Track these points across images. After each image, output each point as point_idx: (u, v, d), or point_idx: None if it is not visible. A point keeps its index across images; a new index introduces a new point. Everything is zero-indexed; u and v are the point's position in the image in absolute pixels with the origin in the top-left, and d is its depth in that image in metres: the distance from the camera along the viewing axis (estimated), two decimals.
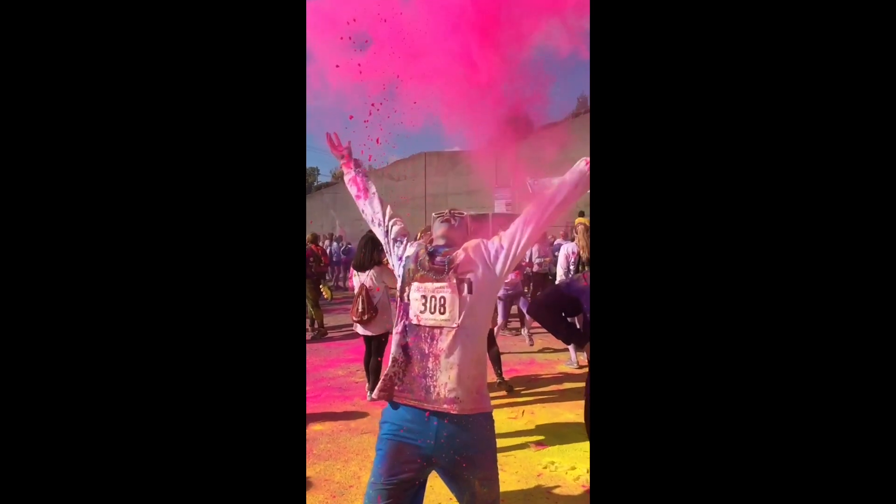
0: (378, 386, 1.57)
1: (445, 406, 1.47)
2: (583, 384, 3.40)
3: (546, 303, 1.97)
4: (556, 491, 2.73)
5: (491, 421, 1.58)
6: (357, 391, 4.48)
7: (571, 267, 4.93)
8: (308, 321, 6.89)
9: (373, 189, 1.82)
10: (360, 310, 4.06)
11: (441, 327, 1.52)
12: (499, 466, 1.62)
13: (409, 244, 1.71)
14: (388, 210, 1.79)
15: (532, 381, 4.77)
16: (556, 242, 6.71)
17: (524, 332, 6.14)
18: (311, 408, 4.02)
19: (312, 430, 3.60)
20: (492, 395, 4.18)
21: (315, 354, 5.80)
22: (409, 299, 1.58)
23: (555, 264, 5.68)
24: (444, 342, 1.50)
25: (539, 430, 3.57)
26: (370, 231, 3.00)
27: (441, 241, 1.67)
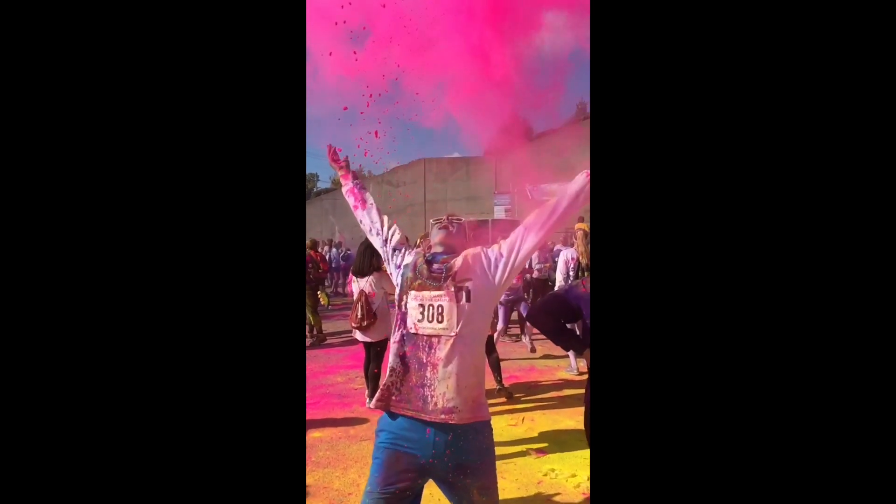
0: (376, 396, 1.56)
1: (443, 416, 1.46)
2: (583, 391, 3.41)
3: (545, 309, 1.96)
4: (557, 498, 2.71)
5: (489, 429, 1.57)
6: (356, 398, 4.46)
7: (571, 273, 4.93)
8: (307, 327, 6.87)
9: (370, 200, 1.86)
10: (359, 316, 4.05)
11: (439, 336, 1.51)
12: (499, 474, 1.61)
13: (407, 252, 1.71)
14: (387, 219, 1.82)
15: (532, 388, 4.75)
16: (555, 248, 6.71)
17: (525, 339, 6.13)
18: (310, 414, 4.00)
19: (311, 436, 3.58)
20: (491, 401, 4.20)
21: (314, 361, 5.79)
22: (406, 308, 1.57)
23: (554, 270, 5.68)
24: (441, 351, 1.49)
25: (539, 436, 3.56)
26: None
27: (439, 249, 1.66)
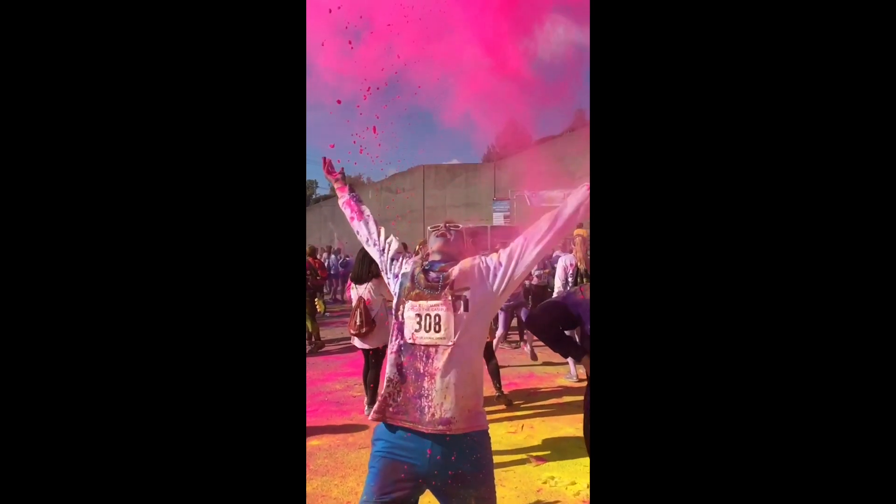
0: (374, 408, 1.56)
1: (440, 427, 1.45)
2: (582, 398, 3.40)
3: (543, 316, 1.96)
4: None
5: (487, 439, 1.55)
6: (355, 405, 4.44)
7: (570, 279, 4.92)
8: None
9: (367, 212, 1.88)
10: (357, 323, 4.04)
11: (436, 346, 1.49)
12: (498, 482, 1.60)
13: (405, 261, 1.70)
14: (383, 230, 1.83)
15: (531, 395, 4.74)
16: (554, 255, 6.71)
17: (526, 347, 6.12)
18: (308, 422, 3.98)
19: (310, 444, 3.56)
20: (491, 408, 4.18)
21: (312, 368, 5.76)
22: (403, 318, 1.56)
23: (553, 276, 5.67)
24: (439, 361, 1.48)
25: (538, 444, 3.54)
26: None
27: (437, 257, 1.65)
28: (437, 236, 1.68)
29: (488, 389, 4.35)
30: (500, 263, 1.57)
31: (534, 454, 3.34)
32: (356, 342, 4.22)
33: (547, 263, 6.50)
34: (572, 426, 3.76)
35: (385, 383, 1.55)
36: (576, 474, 3.02)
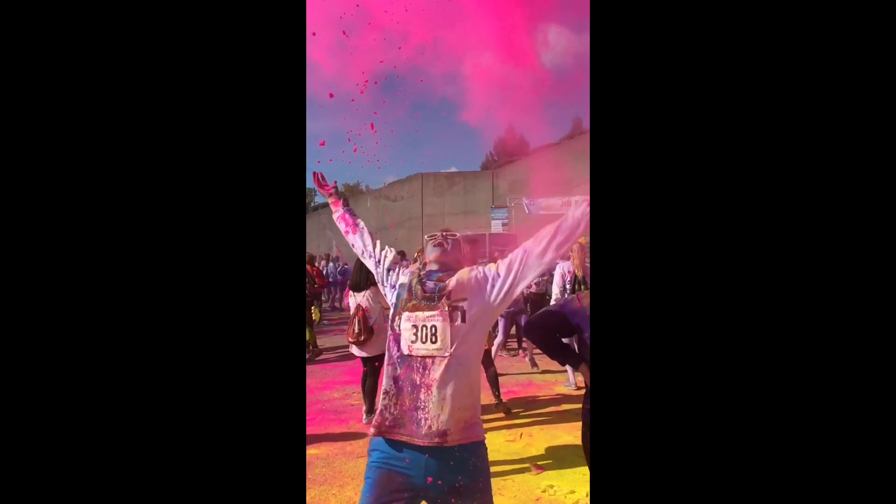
0: (372, 423, 1.55)
1: (437, 440, 1.44)
2: (580, 406, 3.40)
3: (540, 324, 1.97)
4: None
5: (483, 449, 1.54)
6: (353, 414, 4.42)
7: (568, 286, 4.93)
8: None
9: (361, 224, 1.89)
10: (356, 331, 4.03)
11: (433, 357, 1.48)
12: (497, 490, 1.59)
13: (402, 272, 1.70)
14: (378, 242, 1.84)
15: (530, 403, 4.72)
16: None
17: (527, 356, 6.10)
18: (306, 431, 3.96)
19: (308, 453, 3.54)
20: (489, 416, 4.16)
21: (310, 376, 5.74)
22: (400, 329, 1.55)
23: (551, 283, 5.67)
24: (436, 372, 1.47)
25: (537, 452, 3.53)
26: None
27: (434, 266, 1.64)
28: (434, 246, 1.68)
29: (487, 397, 4.34)
30: (499, 275, 1.56)
31: (534, 462, 3.33)
32: (354, 350, 4.20)
33: (545, 271, 6.49)
34: (571, 434, 3.75)
35: (381, 396, 1.55)
36: (575, 483, 3.01)
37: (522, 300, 5.70)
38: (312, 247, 16.57)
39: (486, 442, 1.57)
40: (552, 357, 1.98)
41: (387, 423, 1.51)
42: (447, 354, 1.47)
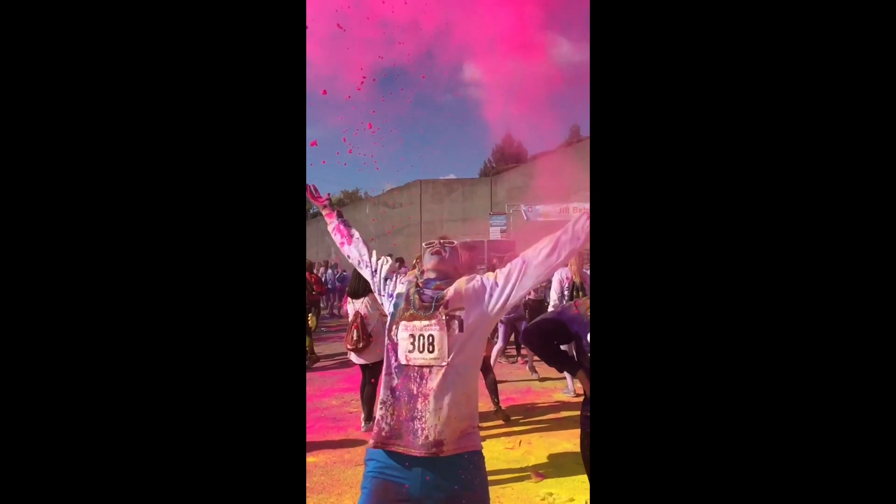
0: (371, 436, 1.55)
1: (433, 450, 1.44)
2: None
3: (538, 331, 1.97)
4: None
5: (480, 458, 1.54)
6: (351, 421, 4.40)
7: (566, 292, 4.93)
8: None
9: (356, 234, 1.89)
10: (354, 338, 4.03)
11: (430, 366, 1.48)
12: (496, 498, 1.59)
13: (399, 281, 1.70)
14: (374, 252, 1.85)
15: (529, 410, 4.71)
16: None
17: (527, 365, 6.09)
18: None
19: (307, 461, 3.53)
20: (489, 424, 4.15)
21: (309, 383, 5.71)
22: (397, 339, 1.55)
23: (549, 289, 5.67)
24: (433, 381, 1.46)
25: (536, 459, 3.51)
26: None
27: (432, 275, 1.64)
28: (431, 254, 1.68)
29: (486, 404, 4.33)
30: (497, 284, 1.57)
31: (534, 470, 3.31)
32: (353, 357, 4.19)
33: (543, 280, 6.48)
34: (570, 442, 3.73)
35: (378, 406, 1.54)
36: (574, 490, 3.00)
37: (522, 306, 5.70)
38: (311, 253, 16.57)
39: (483, 451, 1.57)
40: (550, 364, 1.99)
41: (383, 433, 1.50)
42: (444, 364, 1.47)
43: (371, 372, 4.10)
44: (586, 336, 1.83)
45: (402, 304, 1.59)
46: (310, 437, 3.99)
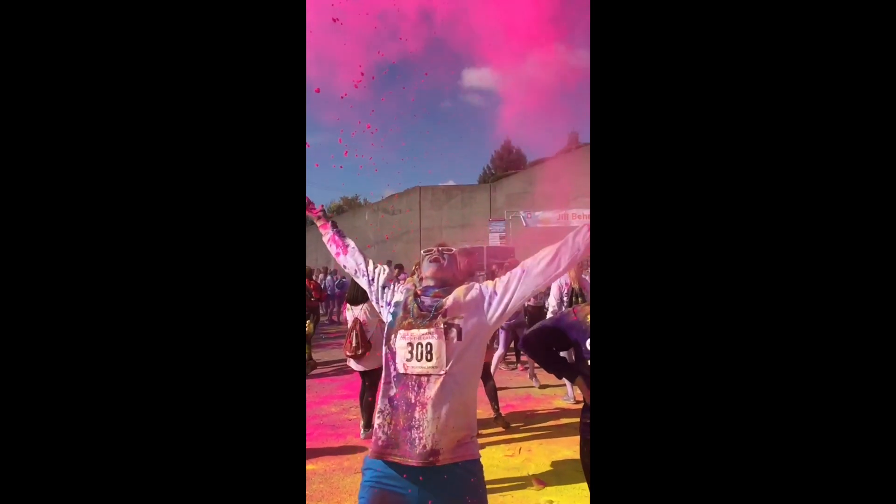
0: (370, 446, 1.54)
1: (430, 459, 1.43)
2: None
3: (536, 337, 1.97)
4: None
5: (478, 467, 1.53)
6: (350, 429, 4.38)
7: (565, 298, 4.92)
8: None
9: (351, 244, 1.89)
10: (353, 345, 4.02)
11: (428, 375, 1.47)
12: None
13: (397, 289, 1.70)
14: (371, 261, 1.85)
15: (529, 417, 4.69)
16: None
17: (528, 374, 6.07)
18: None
19: (306, 469, 3.51)
20: (488, 431, 4.13)
21: (308, 390, 5.69)
22: (395, 347, 1.54)
23: (549, 296, 5.67)
24: (431, 390, 1.46)
25: (536, 467, 3.50)
26: None
27: (431, 282, 1.64)
28: (430, 261, 1.68)
29: (486, 411, 4.31)
30: (496, 293, 1.57)
31: (535, 476, 3.30)
32: (352, 364, 4.18)
33: (541, 290, 6.47)
34: (570, 449, 3.72)
35: (376, 415, 1.54)
36: (574, 498, 2.98)
37: (523, 312, 5.68)
38: (310, 260, 16.54)
39: (482, 459, 1.56)
40: (549, 370, 1.99)
41: (380, 443, 1.50)
42: (443, 372, 1.47)
43: (370, 379, 4.08)
44: (585, 343, 1.83)
45: (401, 313, 1.59)
46: (309, 445, 3.97)
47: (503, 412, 4.50)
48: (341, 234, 1.92)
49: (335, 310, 12.91)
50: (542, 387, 5.73)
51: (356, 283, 4.13)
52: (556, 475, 3.32)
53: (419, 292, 1.62)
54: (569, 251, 1.55)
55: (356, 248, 1.88)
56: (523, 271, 1.58)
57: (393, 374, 1.53)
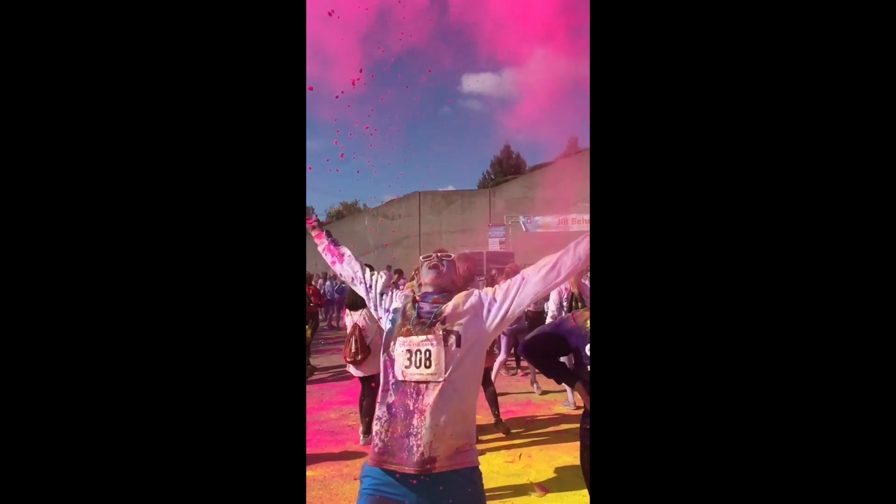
0: (369, 454, 1.53)
1: (428, 466, 1.42)
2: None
3: (535, 343, 1.96)
4: None
5: (477, 474, 1.52)
6: (350, 435, 4.36)
7: (564, 303, 4.91)
8: None
9: (347, 252, 1.89)
10: (353, 350, 4.00)
11: (427, 382, 1.47)
12: None
13: (395, 296, 1.69)
14: (368, 269, 1.85)
15: (529, 423, 4.67)
16: None
17: (529, 380, 6.05)
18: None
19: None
20: (488, 436, 4.11)
21: (307, 396, 5.67)
22: (394, 354, 1.54)
23: (548, 300, 5.66)
24: (429, 397, 1.45)
25: (537, 473, 3.48)
26: None
27: (430, 288, 1.64)
28: (429, 268, 1.67)
29: (486, 417, 4.29)
30: (495, 300, 1.57)
31: (536, 482, 3.28)
32: (351, 369, 4.17)
33: (541, 297, 6.46)
34: (570, 455, 3.70)
35: (374, 422, 1.53)
36: None
37: (524, 318, 5.67)
38: (310, 265, 16.53)
39: (481, 466, 1.55)
40: (548, 376, 1.98)
41: (377, 450, 1.49)
42: (441, 379, 1.46)
43: (369, 384, 4.07)
44: (584, 348, 1.82)
45: (399, 320, 1.58)
46: (308, 451, 3.95)
47: (503, 418, 4.48)
48: (336, 244, 1.92)
49: (334, 315, 12.89)
50: (543, 392, 5.71)
51: None
52: (557, 481, 3.30)
53: (418, 298, 1.62)
54: (570, 260, 1.55)
55: (352, 256, 1.88)
56: (523, 279, 1.58)
57: (391, 381, 1.52)
